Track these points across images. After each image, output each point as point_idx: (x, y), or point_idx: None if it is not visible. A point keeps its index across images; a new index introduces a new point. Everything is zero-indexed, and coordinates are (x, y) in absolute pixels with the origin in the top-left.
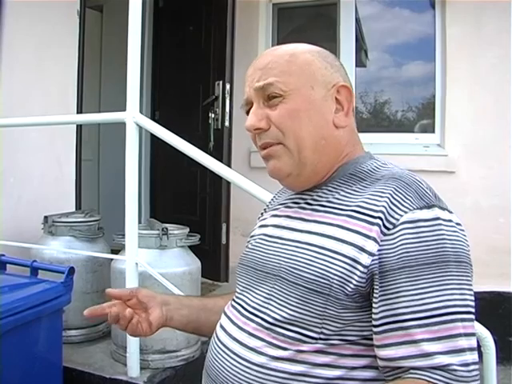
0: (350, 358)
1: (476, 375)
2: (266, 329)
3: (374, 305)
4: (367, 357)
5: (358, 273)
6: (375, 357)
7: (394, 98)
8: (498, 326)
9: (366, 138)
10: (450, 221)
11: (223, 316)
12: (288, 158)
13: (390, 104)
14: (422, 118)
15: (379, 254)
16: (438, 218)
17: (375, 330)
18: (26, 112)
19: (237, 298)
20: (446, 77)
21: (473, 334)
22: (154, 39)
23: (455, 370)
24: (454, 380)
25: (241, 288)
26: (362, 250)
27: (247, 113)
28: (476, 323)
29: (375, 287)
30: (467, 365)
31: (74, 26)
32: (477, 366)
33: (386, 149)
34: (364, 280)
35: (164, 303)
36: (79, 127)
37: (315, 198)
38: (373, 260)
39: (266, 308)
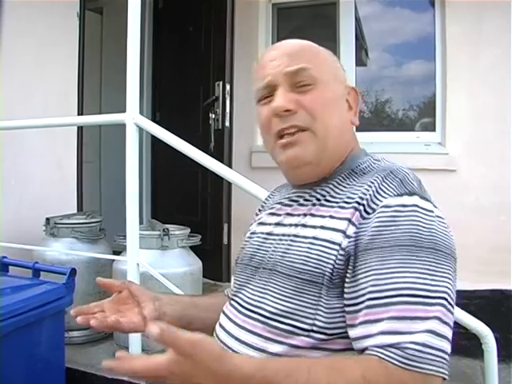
0: (342, 352)
1: (435, 360)
2: (262, 323)
3: (345, 285)
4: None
5: (339, 256)
6: None
7: (394, 96)
8: (499, 324)
9: (367, 136)
10: (431, 211)
11: (222, 315)
12: (313, 144)
13: (391, 103)
14: (423, 116)
15: (355, 236)
16: (416, 205)
17: (346, 309)
18: (26, 114)
19: (234, 295)
20: (446, 76)
21: (440, 320)
22: (154, 40)
23: (406, 348)
24: (404, 358)
25: (238, 285)
26: (346, 234)
27: (261, 99)
28: (476, 321)
29: (349, 268)
30: (424, 345)
31: (73, 28)
32: (439, 353)
33: (387, 147)
34: (342, 262)
35: (156, 299)
36: (80, 129)
37: (313, 194)
38: (349, 242)
39: (262, 302)
